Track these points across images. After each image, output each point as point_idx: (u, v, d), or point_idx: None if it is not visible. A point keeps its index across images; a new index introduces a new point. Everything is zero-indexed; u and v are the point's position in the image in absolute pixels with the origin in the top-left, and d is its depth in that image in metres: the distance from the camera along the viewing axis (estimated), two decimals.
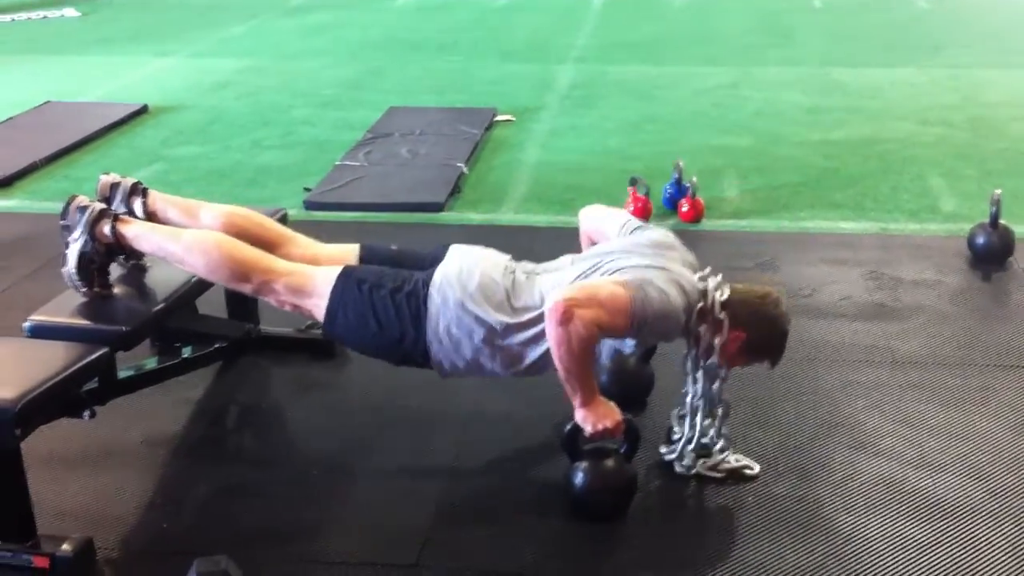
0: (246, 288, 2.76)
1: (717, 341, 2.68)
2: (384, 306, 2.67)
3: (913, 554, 2.49)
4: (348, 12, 10.00)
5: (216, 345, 3.34)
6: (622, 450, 2.68)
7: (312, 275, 2.74)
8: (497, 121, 6.19)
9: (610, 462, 2.65)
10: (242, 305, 3.45)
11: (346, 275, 2.72)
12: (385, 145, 5.68)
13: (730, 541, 2.55)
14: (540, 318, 2.61)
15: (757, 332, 2.71)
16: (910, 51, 8.04)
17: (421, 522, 2.64)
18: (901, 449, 2.90)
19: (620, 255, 2.70)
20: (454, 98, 6.80)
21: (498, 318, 2.64)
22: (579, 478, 2.64)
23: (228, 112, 6.59)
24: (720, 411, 2.81)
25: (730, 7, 9.97)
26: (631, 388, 3.09)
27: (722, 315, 2.67)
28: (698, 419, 2.80)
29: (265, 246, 2.85)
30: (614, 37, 8.77)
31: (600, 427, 2.60)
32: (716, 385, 2.76)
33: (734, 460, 2.81)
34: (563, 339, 2.47)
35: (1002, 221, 4.08)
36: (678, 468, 2.80)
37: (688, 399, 2.82)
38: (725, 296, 2.69)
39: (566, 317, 2.44)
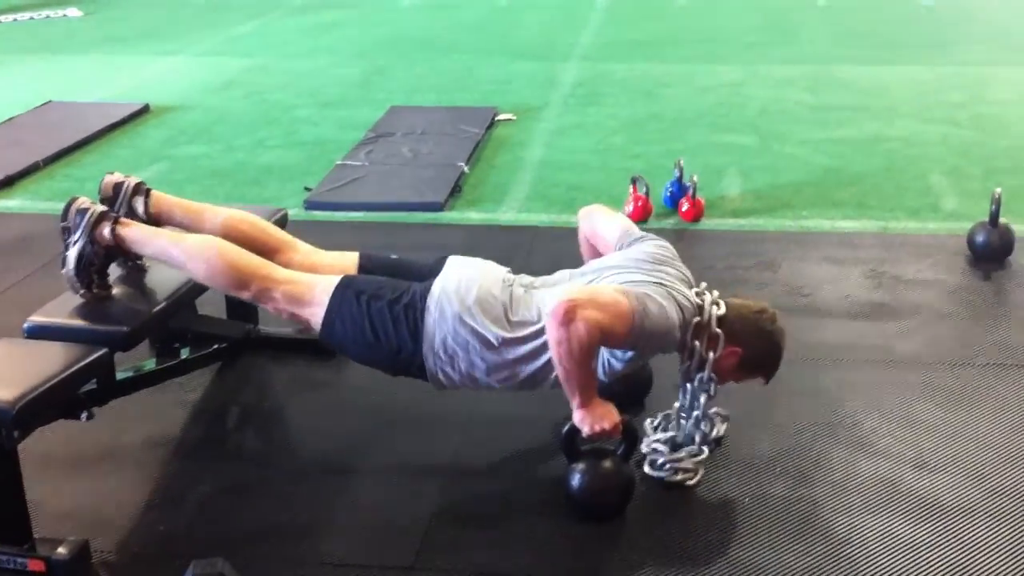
0: (244, 295, 2.77)
1: (712, 356, 2.69)
2: (382, 318, 2.67)
3: (911, 554, 2.49)
4: (353, 11, 10.00)
5: (215, 346, 3.34)
6: (620, 451, 2.67)
7: (311, 284, 2.75)
8: (498, 120, 6.19)
9: (608, 463, 2.65)
10: (241, 306, 3.45)
11: (344, 286, 2.73)
12: (386, 144, 5.68)
13: (728, 542, 2.55)
14: (537, 333, 2.62)
15: (753, 348, 2.73)
16: (915, 49, 8.02)
17: (419, 523, 2.64)
18: (899, 449, 2.90)
19: (618, 271, 2.70)
20: (458, 97, 6.79)
21: (496, 332, 2.64)
22: (577, 479, 2.64)
23: (231, 112, 6.59)
24: (705, 426, 2.83)
25: (734, 5, 9.95)
26: (629, 389, 3.08)
27: (718, 330, 2.68)
28: (685, 424, 2.82)
29: (266, 251, 2.86)
30: (618, 35, 8.76)
31: (598, 428, 2.60)
32: (703, 399, 2.76)
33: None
34: (564, 339, 2.46)
35: (1003, 219, 4.07)
36: (647, 470, 2.80)
37: (675, 406, 2.84)
38: (722, 311, 2.70)
39: (568, 317, 2.44)
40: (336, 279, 2.74)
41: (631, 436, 2.67)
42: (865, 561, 2.47)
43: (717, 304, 2.72)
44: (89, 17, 10.00)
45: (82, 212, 2.80)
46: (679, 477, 2.77)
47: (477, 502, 2.74)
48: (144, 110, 6.50)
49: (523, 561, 2.51)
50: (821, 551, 2.51)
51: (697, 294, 2.73)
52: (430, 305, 2.67)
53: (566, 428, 2.65)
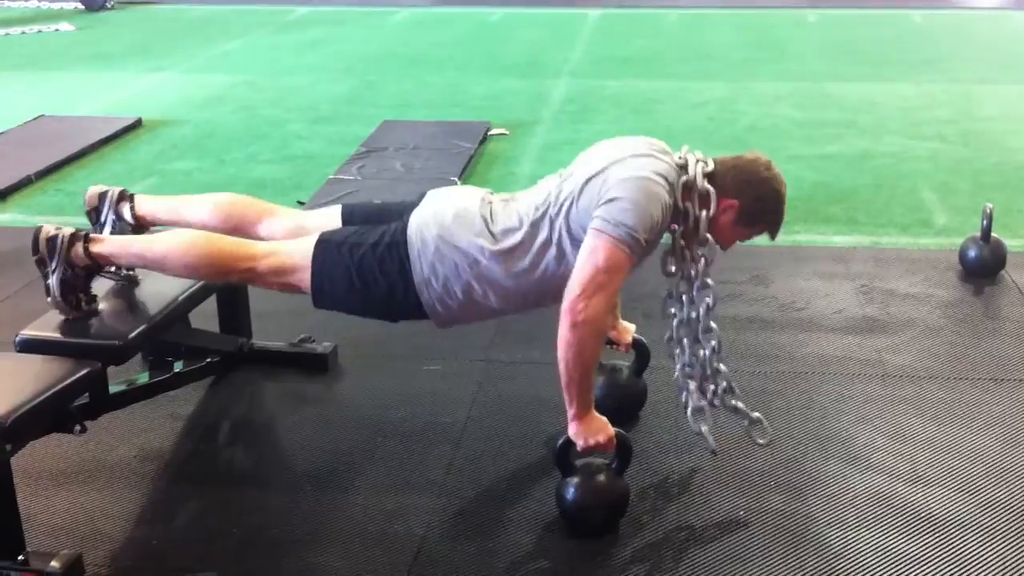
0: (231, 279, 2.76)
1: (705, 214, 2.61)
2: (367, 263, 2.65)
3: (904, 568, 2.49)
4: (343, 28, 10.03)
5: (208, 360, 3.33)
6: (614, 465, 2.67)
7: (291, 251, 2.72)
8: (491, 135, 6.20)
9: (602, 477, 2.65)
10: (235, 319, 3.45)
11: (323, 241, 2.70)
12: (379, 159, 5.68)
13: (722, 556, 2.55)
14: (525, 243, 2.59)
15: (750, 197, 2.63)
16: (904, 65, 8.07)
17: (411, 537, 2.63)
18: (892, 463, 2.90)
19: (598, 163, 2.62)
20: (449, 112, 6.81)
21: (479, 244, 2.60)
22: (571, 493, 2.63)
23: (223, 127, 6.60)
24: (713, 343, 2.76)
25: (724, 22, 10.01)
26: (624, 402, 3.08)
27: (708, 186, 2.60)
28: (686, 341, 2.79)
29: (250, 220, 2.87)
30: (609, 52, 8.80)
31: (592, 442, 2.60)
32: (702, 265, 2.68)
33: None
34: (574, 342, 2.46)
35: (994, 235, 4.09)
36: (692, 418, 2.80)
37: (674, 325, 2.81)
38: (710, 168, 2.63)
39: (582, 317, 2.44)
40: (314, 238, 2.72)
41: (625, 450, 2.67)
42: (859, 575, 2.47)
43: (704, 161, 2.64)
44: (81, 32, 10.00)
45: (51, 240, 2.77)
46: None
47: (470, 516, 2.73)
48: (136, 124, 6.50)
49: (516, 575, 2.50)
50: (815, 565, 2.51)
51: (680, 157, 2.65)
52: (411, 237, 2.64)
53: (560, 442, 2.64)
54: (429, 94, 7.40)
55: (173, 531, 2.69)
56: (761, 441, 2.83)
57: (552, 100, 7.14)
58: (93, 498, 2.81)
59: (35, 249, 2.80)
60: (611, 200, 2.51)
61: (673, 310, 2.83)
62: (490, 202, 2.71)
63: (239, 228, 2.87)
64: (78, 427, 2.61)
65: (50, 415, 2.51)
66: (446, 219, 2.64)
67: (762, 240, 4.50)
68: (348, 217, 2.88)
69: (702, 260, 2.69)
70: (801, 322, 3.77)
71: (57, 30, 10.06)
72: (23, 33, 9.88)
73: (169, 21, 10.58)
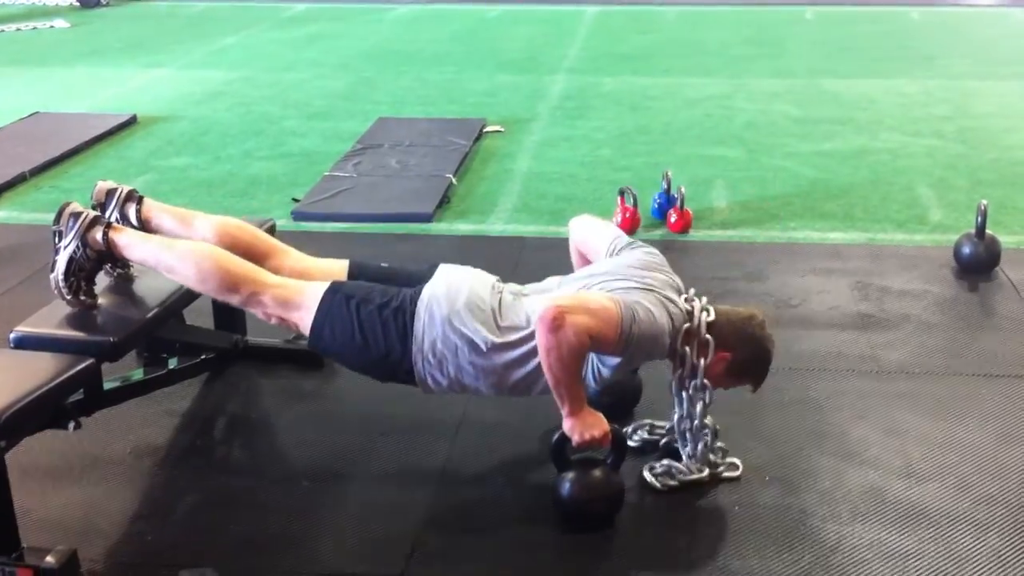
0: (234, 299, 2.76)
1: (702, 362, 2.70)
2: (371, 322, 2.67)
3: (898, 563, 2.49)
4: (340, 24, 10.02)
5: (203, 356, 3.33)
6: (609, 460, 2.67)
7: (300, 289, 2.75)
8: (487, 132, 6.20)
9: (597, 472, 2.65)
10: (229, 316, 3.45)
11: (334, 290, 2.73)
12: (374, 156, 5.68)
13: (717, 551, 2.55)
14: (526, 338, 2.62)
15: (742, 353, 2.74)
16: (901, 62, 8.07)
17: (409, 532, 2.63)
18: (887, 458, 2.91)
19: (607, 278, 2.72)
20: (445, 109, 6.81)
21: (484, 336, 2.64)
22: (566, 488, 2.64)
23: (219, 123, 6.59)
24: (707, 434, 2.82)
25: (722, 19, 10.00)
26: (618, 398, 3.08)
27: (708, 336, 2.69)
28: (688, 434, 2.82)
29: (256, 257, 2.87)
30: (606, 48, 8.79)
31: (587, 437, 2.60)
32: (699, 407, 2.76)
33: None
34: (553, 345, 2.47)
35: (989, 231, 4.09)
36: (657, 483, 2.80)
37: (675, 420, 2.83)
38: (711, 317, 2.71)
39: (557, 324, 2.45)
40: (325, 284, 2.74)
41: (620, 445, 2.67)
42: (853, 569, 2.48)
43: (707, 310, 2.73)
44: (76, 28, 9.99)
45: (75, 216, 2.81)
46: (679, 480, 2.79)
47: (467, 511, 2.74)
48: (131, 121, 6.48)
49: (512, 570, 2.51)
50: (809, 560, 2.51)
51: (686, 300, 2.75)
52: (419, 309, 2.67)
53: (555, 437, 2.65)
54: (425, 90, 7.39)
55: (169, 527, 2.69)
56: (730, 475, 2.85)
57: (549, 97, 7.13)
58: (88, 494, 2.81)
59: (57, 219, 2.84)
60: (631, 295, 2.60)
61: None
62: (500, 292, 2.76)
63: (244, 256, 2.87)
64: (73, 423, 2.61)
65: (45, 411, 2.51)
66: (457, 303, 2.67)
67: (757, 236, 4.56)
68: (355, 274, 2.90)
69: (700, 403, 2.77)
70: (796, 318, 3.77)
71: (52, 26, 10.04)
72: (18, 30, 9.87)
73: (165, 17, 10.56)
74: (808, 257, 4.34)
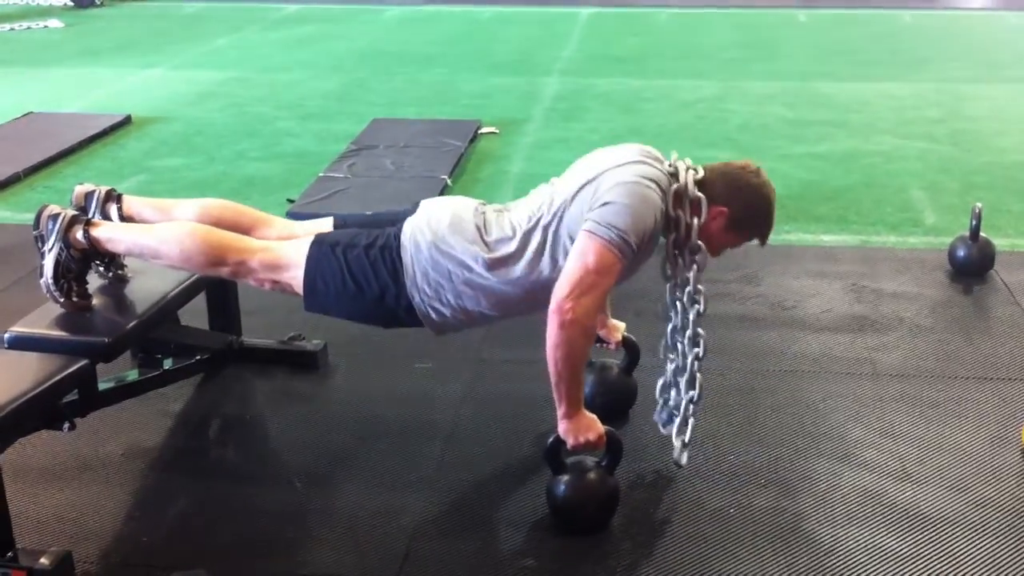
0: (224, 271, 2.73)
1: (696, 222, 2.62)
2: (360, 264, 2.65)
3: (893, 566, 2.49)
4: (334, 25, 10.01)
5: (197, 357, 3.32)
6: (604, 463, 2.67)
7: (285, 248, 2.72)
8: (482, 133, 6.20)
9: (592, 475, 2.65)
10: (224, 317, 3.44)
11: (319, 242, 2.71)
12: (369, 157, 5.68)
13: (712, 553, 2.55)
14: (518, 252, 2.60)
15: (740, 204, 2.65)
16: (894, 65, 8.09)
17: (402, 535, 2.63)
18: (882, 461, 2.91)
19: (588, 172, 2.63)
20: (439, 110, 6.81)
21: (473, 251, 2.61)
22: (561, 491, 2.63)
23: (212, 124, 6.58)
24: (697, 351, 2.76)
25: (715, 21, 10.02)
26: (614, 400, 3.09)
27: (699, 194, 2.61)
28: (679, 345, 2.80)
29: (245, 229, 2.85)
30: (600, 50, 8.80)
31: (582, 440, 2.60)
32: (694, 272, 2.68)
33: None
34: (563, 342, 2.47)
35: (982, 234, 4.10)
36: (678, 451, 2.80)
37: (668, 330, 2.81)
38: (700, 175, 2.64)
39: (568, 318, 2.45)
40: (309, 239, 2.72)
41: (615, 448, 2.67)
42: (848, 572, 2.48)
43: (694, 169, 2.65)
44: (70, 29, 9.97)
45: (53, 218, 2.78)
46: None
47: (460, 514, 2.73)
48: (125, 121, 6.48)
49: (506, 573, 2.50)
50: (805, 563, 2.51)
51: (669, 165, 2.66)
52: (404, 241, 2.65)
53: (550, 440, 2.64)
54: (419, 92, 7.39)
55: (162, 528, 2.68)
56: (679, 462, 2.81)
57: (543, 98, 7.14)
58: (82, 495, 2.80)
59: (36, 224, 2.81)
60: (604, 204, 2.53)
61: (671, 314, 2.84)
62: (483, 212, 2.73)
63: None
64: (67, 424, 2.60)
65: (39, 412, 2.50)
66: (440, 226, 2.65)
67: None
68: (340, 225, 2.89)
69: (694, 267, 2.70)
70: (791, 321, 3.78)
71: (46, 26, 10.02)
72: (11, 30, 9.85)
73: (158, 17, 10.55)
74: (802, 260, 4.34)
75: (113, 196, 2.97)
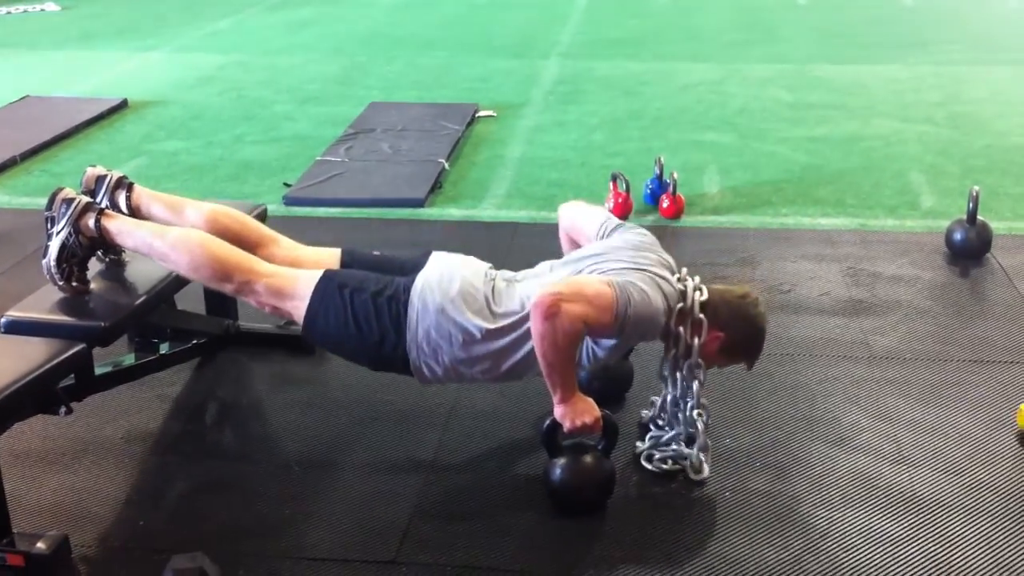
0: (227, 288, 2.75)
1: (697, 342, 2.70)
2: (365, 310, 2.67)
3: (889, 549, 2.50)
4: (333, 8, 9.98)
5: (194, 341, 3.33)
6: (600, 446, 2.68)
7: (294, 277, 2.74)
8: (479, 116, 6.19)
9: (588, 458, 2.66)
10: (221, 301, 3.44)
11: (328, 278, 2.72)
12: (366, 141, 5.67)
13: (708, 536, 2.56)
14: (520, 322, 2.62)
15: (736, 332, 2.75)
16: (894, 48, 8.06)
17: (400, 518, 2.64)
18: (878, 444, 2.91)
19: (600, 260, 2.71)
20: (438, 94, 6.79)
21: (478, 323, 2.64)
22: (558, 474, 2.64)
23: (210, 107, 6.57)
24: (704, 416, 2.83)
25: (715, 4, 9.98)
26: (610, 384, 3.09)
27: (701, 316, 2.69)
28: (680, 415, 2.83)
29: (247, 245, 2.85)
30: (599, 33, 8.77)
31: (578, 423, 2.61)
32: (696, 386, 2.77)
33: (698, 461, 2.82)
34: (548, 333, 2.47)
35: (980, 217, 4.10)
36: (647, 466, 2.82)
37: (667, 400, 2.84)
38: (704, 297, 2.71)
39: (552, 311, 2.45)
40: (319, 273, 2.74)
41: (612, 431, 2.67)
42: (844, 555, 2.48)
43: (700, 289, 2.72)
44: (66, 12, 9.94)
45: (67, 202, 2.80)
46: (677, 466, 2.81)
47: (458, 497, 2.74)
48: (122, 105, 6.46)
49: (504, 556, 2.51)
50: (800, 545, 2.52)
51: (679, 279, 2.74)
52: (413, 298, 2.66)
53: (547, 423, 2.65)
54: (418, 75, 7.37)
55: (160, 512, 2.69)
56: (694, 477, 2.81)
57: (542, 82, 7.12)
58: (80, 479, 2.81)
59: (49, 205, 2.83)
60: (624, 275, 2.60)
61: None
62: (493, 279, 2.75)
63: (235, 244, 2.85)
64: (64, 408, 2.60)
65: (35, 396, 2.50)
66: (451, 291, 2.67)
67: (748, 222, 4.56)
68: (347, 262, 2.89)
69: (695, 383, 2.77)
70: (788, 304, 3.78)
71: (42, 10, 9.99)
72: (8, 13, 9.82)
73: (155, 1, 10.51)
74: (800, 243, 4.34)
75: (124, 184, 2.97)
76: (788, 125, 6.03)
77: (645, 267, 2.66)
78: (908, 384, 3.23)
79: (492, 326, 2.64)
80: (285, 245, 2.95)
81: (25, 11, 9.91)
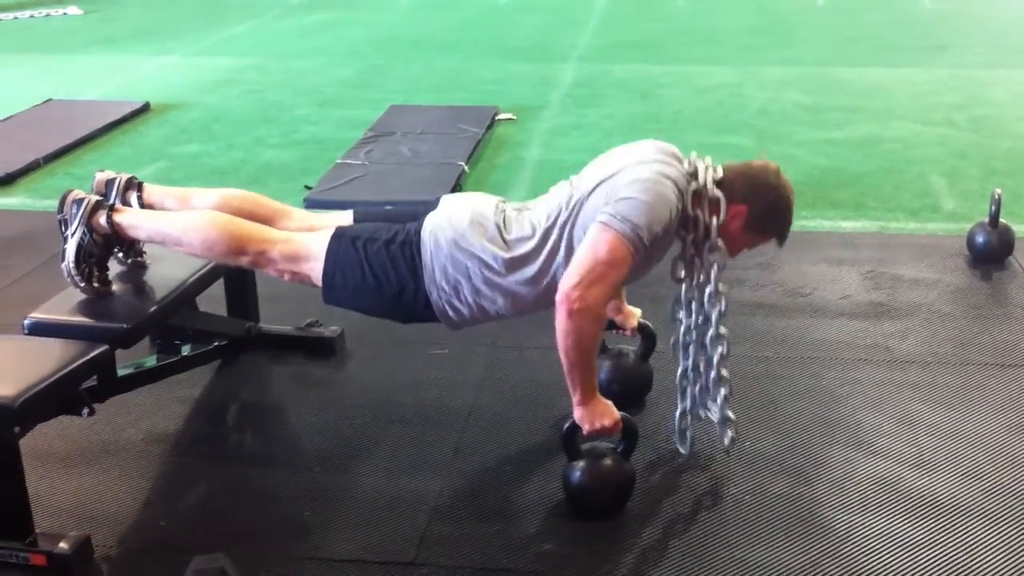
0: (243, 261, 2.75)
1: (716, 221, 2.60)
2: (379, 259, 2.65)
3: (909, 553, 2.49)
4: (350, 11, 10.01)
5: (216, 343, 3.35)
6: (620, 449, 2.68)
7: (306, 239, 2.74)
8: (499, 120, 6.20)
9: (608, 461, 2.66)
10: (242, 303, 3.46)
11: (339, 235, 2.71)
12: (386, 144, 5.68)
13: (727, 539, 2.55)
14: (538, 248, 2.59)
15: (759, 203, 2.63)
16: (914, 50, 8.04)
17: (419, 520, 2.64)
18: (898, 448, 2.90)
19: (607, 171, 2.62)
20: (456, 97, 6.80)
21: (493, 251, 2.61)
22: (577, 476, 2.64)
23: (230, 110, 6.60)
24: (721, 349, 2.76)
25: (733, 6, 9.97)
26: (630, 387, 3.09)
27: (717, 193, 2.59)
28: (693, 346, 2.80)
29: (264, 220, 2.86)
30: (617, 36, 8.77)
31: (598, 426, 2.60)
32: (714, 316, 2.69)
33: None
34: (572, 330, 2.46)
35: (1002, 220, 4.08)
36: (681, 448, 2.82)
37: (680, 331, 2.81)
38: (719, 174, 2.62)
39: (575, 306, 2.43)
40: (330, 231, 2.73)
41: (631, 434, 2.67)
42: (864, 559, 2.48)
43: (713, 168, 2.63)
44: (88, 16, 10.01)
45: (78, 202, 2.81)
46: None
47: (477, 499, 2.74)
48: (144, 108, 6.50)
49: (522, 558, 2.51)
50: (820, 549, 2.51)
51: (688, 163, 2.65)
52: (424, 238, 2.65)
53: (566, 426, 2.65)
54: (436, 78, 7.39)
55: (181, 513, 2.70)
56: (726, 442, 2.80)
57: (560, 85, 7.12)
58: (101, 480, 2.82)
59: (60, 208, 2.84)
60: (620, 199, 2.52)
61: (681, 315, 2.83)
62: (503, 210, 2.72)
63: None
64: (86, 409, 2.62)
65: (58, 397, 2.52)
66: (461, 224, 2.65)
67: None
68: (360, 220, 2.89)
69: (714, 267, 2.68)
70: (808, 307, 3.77)
71: (65, 14, 10.06)
72: (31, 17, 9.89)
73: (176, 4, 10.56)
74: (820, 246, 4.33)
75: (134, 184, 2.99)
76: (807, 128, 6.02)
77: (644, 160, 2.57)
78: (929, 388, 3.22)
79: (507, 254, 2.61)
80: (298, 216, 2.95)
81: (48, 15, 9.98)
